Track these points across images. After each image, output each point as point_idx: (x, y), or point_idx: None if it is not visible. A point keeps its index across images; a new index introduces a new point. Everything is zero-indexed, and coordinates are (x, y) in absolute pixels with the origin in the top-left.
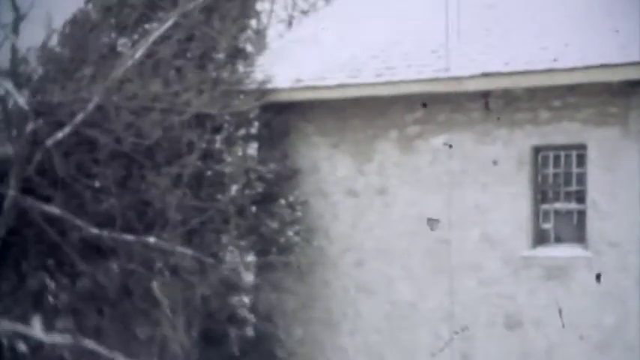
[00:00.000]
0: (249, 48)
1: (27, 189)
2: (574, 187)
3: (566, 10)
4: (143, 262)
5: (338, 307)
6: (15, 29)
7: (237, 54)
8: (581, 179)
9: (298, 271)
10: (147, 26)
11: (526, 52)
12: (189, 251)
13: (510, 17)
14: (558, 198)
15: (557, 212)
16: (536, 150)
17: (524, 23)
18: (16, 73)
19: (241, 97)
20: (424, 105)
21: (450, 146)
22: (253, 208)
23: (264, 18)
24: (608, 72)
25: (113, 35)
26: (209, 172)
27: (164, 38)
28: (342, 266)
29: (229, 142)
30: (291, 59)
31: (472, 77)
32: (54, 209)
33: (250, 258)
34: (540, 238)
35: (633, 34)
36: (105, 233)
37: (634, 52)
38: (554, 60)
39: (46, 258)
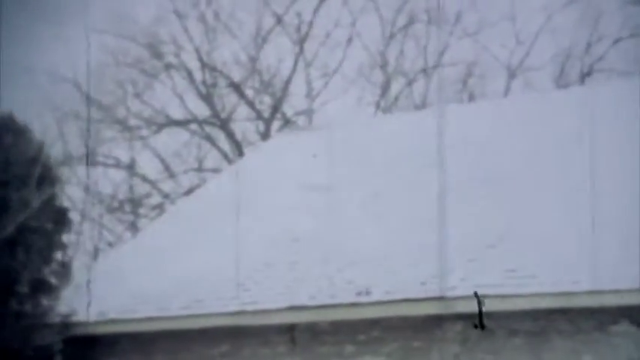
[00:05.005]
0: (53, 280)
1: None
2: None
3: (370, 245)
4: None
5: None
6: None
7: (41, 287)
8: None
9: None
10: None
11: (332, 285)
12: None
13: (316, 250)
14: None
15: None
16: None
17: (331, 256)
18: None
19: (44, 330)
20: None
21: None
22: None
23: (70, 250)
24: (410, 307)
25: None
26: None
27: None
28: None
29: None
30: (97, 292)
31: (278, 310)
32: None
33: None
34: None
35: (432, 270)
36: None
37: (434, 288)
38: (359, 294)
39: None
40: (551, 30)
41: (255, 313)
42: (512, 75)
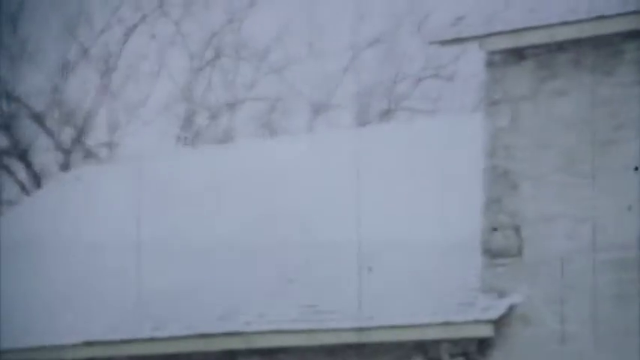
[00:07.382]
0: None
1: None
2: None
3: (169, 279)
4: None
5: None
6: None
7: None
8: None
9: None
10: None
11: (129, 319)
12: None
13: (115, 284)
14: None
15: None
16: None
17: (129, 290)
18: None
19: None
20: None
21: None
22: None
23: None
24: (207, 341)
25: None
26: None
27: None
28: None
29: None
30: None
31: (75, 346)
32: None
33: None
34: None
35: (231, 305)
36: None
37: (232, 323)
38: (156, 329)
39: None
40: (356, 68)
41: (50, 348)
42: (316, 111)
